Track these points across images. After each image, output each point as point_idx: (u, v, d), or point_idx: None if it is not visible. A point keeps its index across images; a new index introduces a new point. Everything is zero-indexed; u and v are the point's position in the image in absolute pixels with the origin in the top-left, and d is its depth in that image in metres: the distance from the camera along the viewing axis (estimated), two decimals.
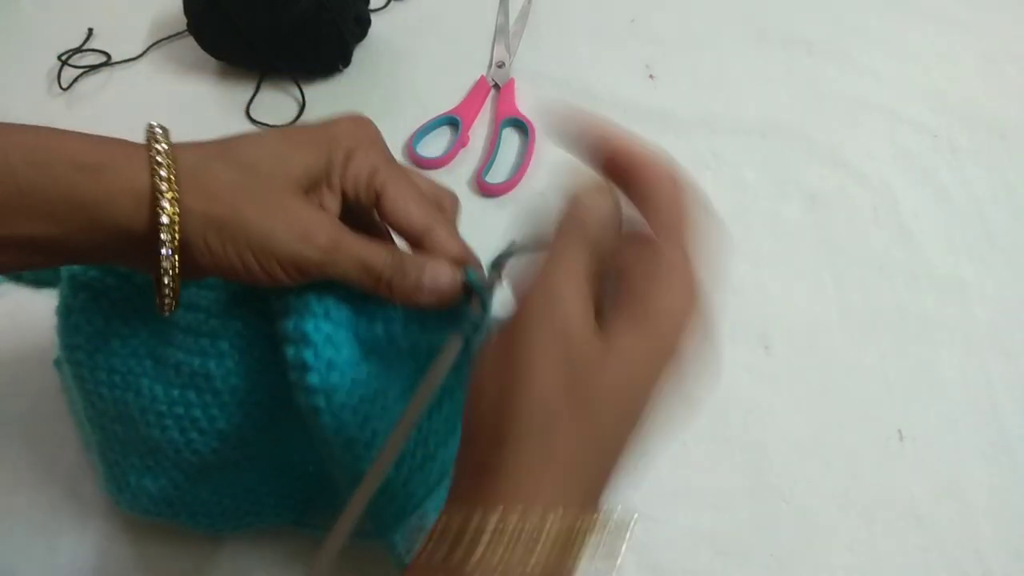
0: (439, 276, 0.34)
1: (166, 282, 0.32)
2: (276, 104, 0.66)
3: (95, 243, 0.31)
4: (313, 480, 0.44)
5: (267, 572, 0.45)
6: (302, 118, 0.65)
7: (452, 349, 0.34)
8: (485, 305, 0.35)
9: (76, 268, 0.37)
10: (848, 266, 0.57)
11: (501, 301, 0.37)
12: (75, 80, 0.67)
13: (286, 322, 0.34)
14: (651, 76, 0.68)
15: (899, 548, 0.46)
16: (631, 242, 0.30)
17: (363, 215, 0.37)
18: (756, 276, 0.56)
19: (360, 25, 0.68)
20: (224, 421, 0.38)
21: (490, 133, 0.64)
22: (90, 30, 0.70)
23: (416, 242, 0.36)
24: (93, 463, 0.45)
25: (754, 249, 0.58)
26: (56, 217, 0.30)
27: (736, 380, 0.52)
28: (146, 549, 0.46)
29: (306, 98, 0.66)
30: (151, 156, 0.31)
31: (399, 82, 0.68)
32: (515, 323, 0.28)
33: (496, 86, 0.67)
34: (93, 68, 0.68)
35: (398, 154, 0.63)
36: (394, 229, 0.36)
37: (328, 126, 0.36)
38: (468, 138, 0.63)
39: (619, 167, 0.31)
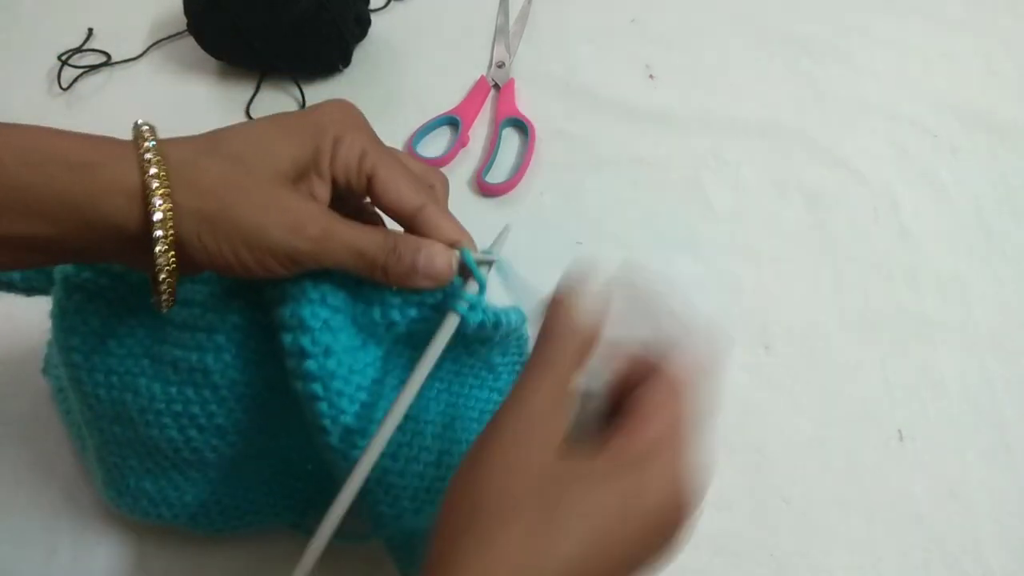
0: (434, 258, 0.34)
1: (162, 279, 0.32)
2: (276, 104, 0.66)
3: (89, 242, 0.31)
4: (312, 480, 0.44)
5: (266, 573, 0.45)
6: None
7: (448, 328, 0.34)
8: (481, 285, 0.35)
9: (69, 269, 0.37)
10: (848, 266, 0.57)
11: (496, 281, 0.37)
12: (75, 80, 0.67)
13: (283, 309, 0.34)
14: (651, 76, 0.68)
15: (899, 548, 0.46)
16: (638, 365, 0.31)
17: (354, 200, 0.37)
18: (756, 276, 0.56)
19: (360, 25, 0.68)
20: (223, 417, 0.38)
21: (490, 133, 0.64)
22: (90, 30, 0.70)
23: (409, 223, 0.36)
24: (90, 469, 0.45)
25: (754, 249, 0.58)
26: (50, 216, 0.30)
27: (736, 380, 0.52)
28: (145, 549, 0.46)
29: (306, 98, 0.66)
30: (140, 154, 0.31)
31: (399, 82, 0.68)
32: (495, 427, 0.29)
33: (496, 86, 0.67)
34: (93, 68, 0.68)
35: None
36: (386, 211, 0.36)
37: (313, 113, 0.36)
38: (468, 138, 0.63)
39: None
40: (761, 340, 0.54)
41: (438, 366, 0.35)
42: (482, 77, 0.67)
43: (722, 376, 0.52)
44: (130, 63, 0.69)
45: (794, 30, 0.70)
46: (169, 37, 0.70)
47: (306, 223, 0.32)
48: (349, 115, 0.36)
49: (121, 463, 0.41)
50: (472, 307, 0.35)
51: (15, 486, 0.48)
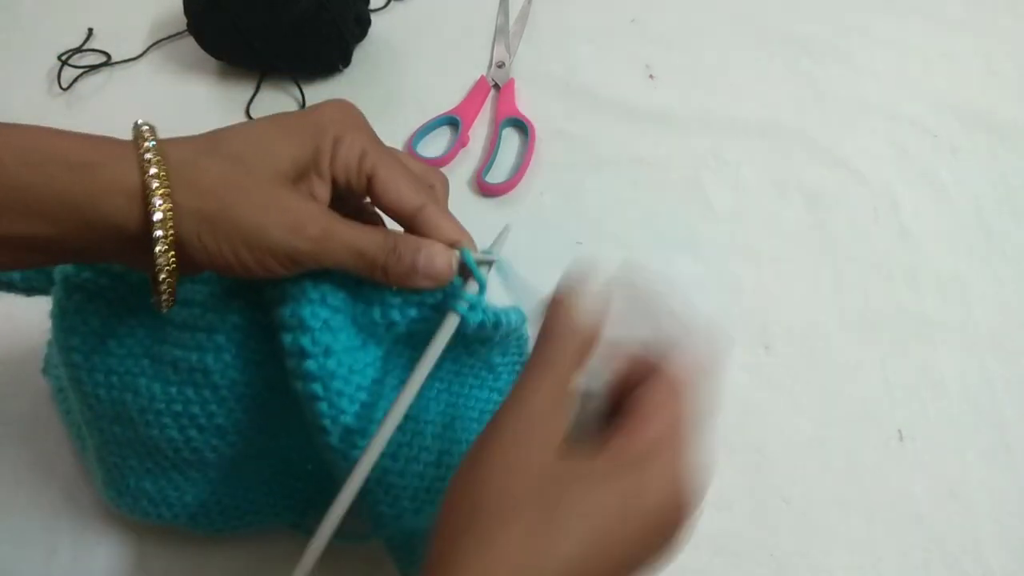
0: (434, 258, 0.34)
1: (162, 279, 0.32)
2: (276, 104, 0.66)
3: (89, 242, 0.31)
4: (312, 480, 0.44)
5: (266, 573, 0.45)
6: None
7: (448, 328, 0.34)
8: (481, 285, 0.35)
9: (69, 270, 0.37)
10: (848, 266, 0.57)
11: (496, 281, 0.37)
12: (75, 80, 0.67)
13: (283, 309, 0.34)
14: (651, 76, 0.68)
15: (899, 548, 0.46)
16: (638, 365, 0.31)
17: (354, 200, 0.37)
18: (756, 276, 0.56)
19: (360, 25, 0.68)
20: (223, 417, 0.38)
21: (490, 133, 0.64)
22: (90, 30, 0.70)
23: (409, 223, 0.36)
24: (90, 469, 0.45)
25: (754, 249, 0.58)
26: (50, 216, 0.30)
27: (736, 380, 0.52)
28: (145, 549, 0.46)
29: (306, 98, 0.66)
30: (140, 154, 0.31)
31: (399, 82, 0.68)
32: (495, 427, 0.29)
33: (496, 86, 0.67)
34: (93, 68, 0.68)
35: None
36: (386, 211, 0.36)
37: (313, 113, 0.36)
38: (468, 138, 0.63)
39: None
40: (761, 340, 0.54)
41: (438, 366, 0.35)
42: (482, 77, 0.67)
43: (722, 376, 0.52)
44: (130, 63, 0.69)
45: (794, 30, 0.70)
46: (169, 37, 0.70)
47: (306, 223, 0.32)
48: (349, 115, 0.36)
49: (121, 463, 0.41)
50: (472, 307, 0.35)
51: (15, 486, 0.48)
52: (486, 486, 0.28)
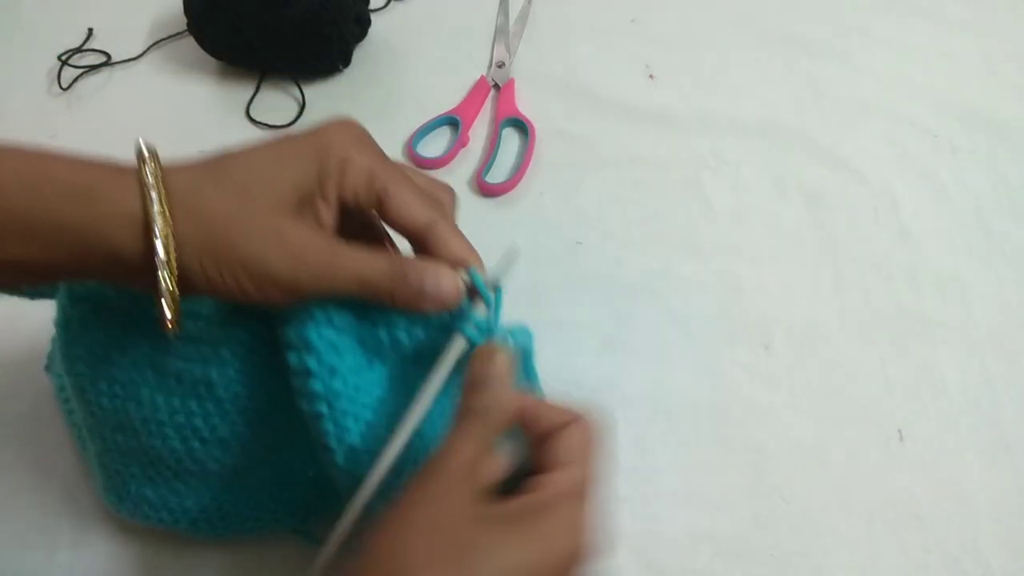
0: (441, 281, 0.34)
1: (165, 305, 0.32)
2: (276, 104, 0.66)
3: (90, 266, 0.31)
4: (313, 486, 0.43)
5: None
6: (302, 118, 0.65)
7: (455, 350, 0.34)
8: (489, 305, 0.35)
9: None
10: (848, 266, 0.57)
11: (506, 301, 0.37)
12: (75, 80, 0.67)
13: (288, 328, 0.34)
14: (651, 76, 0.68)
15: (899, 548, 0.46)
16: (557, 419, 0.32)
17: (361, 216, 0.37)
18: (756, 276, 0.56)
19: (360, 25, 0.68)
20: (226, 430, 0.38)
21: (490, 133, 0.64)
22: (90, 30, 0.70)
23: (419, 240, 0.36)
24: (92, 472, 0.45)
25: (754, 249, 0.58)
26: (49, 241, 0.30)
27: (736, 380, 0.52)
28: (144, 551, 0.46)
29: (306, 98, 0.66)
30: (141, 180, 0.31)
31: (399, 82, 0.68)
32: (421, 479, 0.30)
33: (496, 86, 0.67)
34: (93, 68, 0.68)
35: (398, 154, 0.63)
36: (396, 229, 0.36)
37: (316, 136, 0.35)
38: (468, 138, 0.63)
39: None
40: (761, 340, 0.54)
41: (444, 384, 0.35)
42: (482, 77, 0.67)
43: (721, 376, 0.52)
44: (130, 63, 0.69)
45: (794, 30, 0.70)
46: (169, 37, 0.70)
47: (307, 254, 0.32)
48: (352, 134, 0.36)
49: (123, 470, 0.41)
50: (479, 328, 0.35)
51: (15, 486, 0.48)
52: (406, 540, 0.28)
